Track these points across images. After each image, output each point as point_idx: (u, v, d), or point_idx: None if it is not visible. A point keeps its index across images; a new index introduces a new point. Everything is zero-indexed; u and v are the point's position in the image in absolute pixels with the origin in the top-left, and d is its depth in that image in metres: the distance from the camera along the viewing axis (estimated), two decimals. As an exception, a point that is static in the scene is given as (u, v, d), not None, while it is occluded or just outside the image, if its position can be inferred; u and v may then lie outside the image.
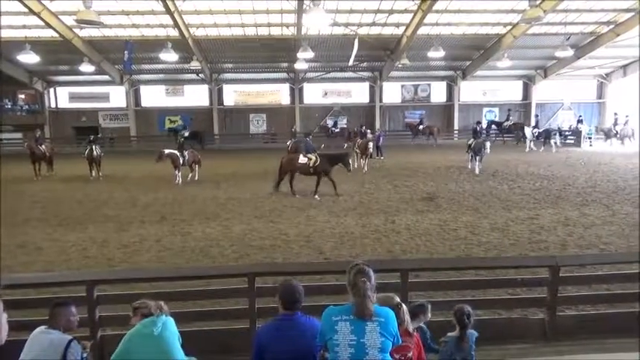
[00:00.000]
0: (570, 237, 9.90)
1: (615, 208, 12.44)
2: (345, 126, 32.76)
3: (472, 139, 19.68)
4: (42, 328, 3.52)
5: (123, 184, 17.63)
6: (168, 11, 21.25)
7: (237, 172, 20.09)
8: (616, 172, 17.69)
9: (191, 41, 25.47)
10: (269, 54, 28.36)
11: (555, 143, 26.67)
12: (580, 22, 25.11)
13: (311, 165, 15.06)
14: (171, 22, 22.95)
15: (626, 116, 30.06)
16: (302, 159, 15.21)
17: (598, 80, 34.48)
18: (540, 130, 28.01)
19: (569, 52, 26.38)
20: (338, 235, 10.36)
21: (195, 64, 28.03)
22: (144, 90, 34.06)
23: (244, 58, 29.61)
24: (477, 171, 18.23)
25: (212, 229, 10.91)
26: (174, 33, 24.37)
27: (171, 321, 3.67)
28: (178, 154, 17.68)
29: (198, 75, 31.66)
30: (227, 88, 34.15)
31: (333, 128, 32.35)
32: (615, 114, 30.32)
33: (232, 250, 9.34)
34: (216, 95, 33.64)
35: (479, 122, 27.00)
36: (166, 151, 17.74)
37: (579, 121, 31.59)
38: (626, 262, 6.83)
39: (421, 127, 31.17)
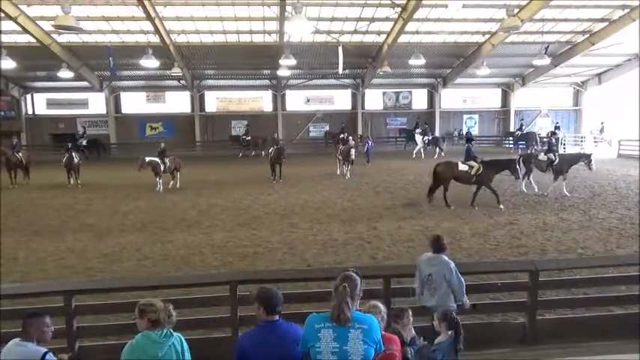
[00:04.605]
0: (549, 242, 10.07)
1: (592, 213, 12.71)
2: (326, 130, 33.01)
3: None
4: (16, 340, 3.43)
5: (102, 192, 17.35)
6: (148, 17, 21.09)
7: (219, 180, 19.96)
8: (592, 178, 18.07)
9: (172, 48, 25.31)
10: (251, 61, 28.34)
11: (441, 150, 27.07)
12: (556, 31, 25.68)
13: (472, 173, 13.86)
14: (152, 28, 22.79)
15: (602, 123, 30.83)
16: (462, 166, 14.02)
17: (574, 88, 35.26)
18: (430, 137, 28.29)
19: (547, 61, 26.94)
20: (321, 242, 10.35)
21: (176, 71, 27.84)
22: (124, 96, 33.69)
23: (226, 65, 29.53)
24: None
25: (193, 237, 10.80)
26: (155, 39, 24.18)
27: (185, 344, 3.56)
28: (159, 161, 17.51)
29: (179, 81, 31.45)
30: (209, 95, 33.99)
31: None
32: (602, 123, 31.02)
33: (214, 258, 9.25)
34: (198, 102, 33.46)
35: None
36: (147, 158, 17.54)
37: (556, 128, 32.28)
38: (603, 266, 6.98)
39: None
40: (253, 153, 29.74)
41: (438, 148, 27.49)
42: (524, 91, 34.48)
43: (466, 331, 4.73)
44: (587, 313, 6.27)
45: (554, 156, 15.94)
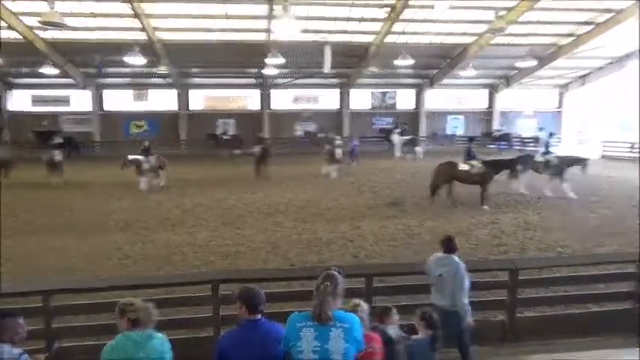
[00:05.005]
0: (530, 240, 10.20)
1: (572, 213, 12.90)
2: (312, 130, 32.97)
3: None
4: (-10, 341, 3.37)
5: (85, 190, 17.14)
6: (135, 14, 20.86)
7: (204, 179, 19.85)
8: (574, 179, 18.26)
9: (159, 45, 25.08)
10: (238, 59, 28.18)
11: (419, 151, 27.11)
12: (542, 33, 25.99)
13: (473, 172, 13.82)
14: (138, 25, 22.54)
15: (583, 124, 31.40)
16: (463, 166, 14.00)
17: (558, 90, 35.73)
18: (408, 138, 28.26)
19: (531, 63, 27.25)
20: (305, 241, 10.36)
21: (162, 69, 27.59)
22: (109, 94, 33.27)
23: (212, 63, 29.32)
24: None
25: (177, 237, 10.74)
26: (141, 36, 23.94)
27: (167, 344, 3.47)
28: (143, 159, 17.34)
29: (165, 79, 31.17)
30: (195, 93, 33.72)
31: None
32: (583, 124, 31.57)
33: (196, 258, 9.21)
34: (184, 100, 33.20)
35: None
36: (130, 156, 17.37)
37: (540, 129, 32.69)
38: (582, 265, 7.10)
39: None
40: (236, 152, 29.58)
41: (415, 148, 27.67)
42: (509, 92, 34.83)
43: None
44: (566, 311, 6.38)
45: (552, 157, 16.04)
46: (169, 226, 11.79)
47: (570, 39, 26.54)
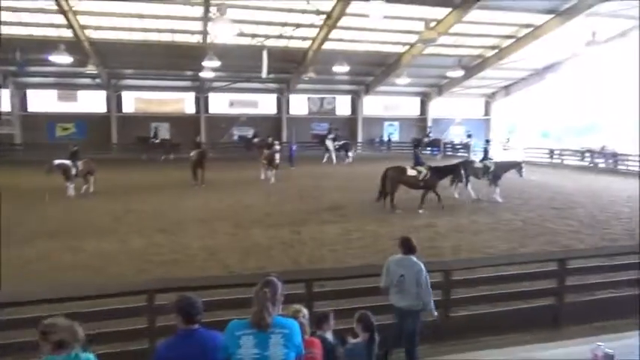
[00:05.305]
0: (462, 242, 10.69)
1: (499, 216, 13.67)
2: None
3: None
4: None
5: (5, 197, 15.91)
6: (61, 10, 19.74)
7: (138, 184, 19.10)
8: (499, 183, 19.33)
9: (87, 44, 23.86)
10: (173, 61, 27.42)
11: (350, 156, 28.06)
12: (469, 45, 27.41)
13: (420, 178, 14.17)
14: (64, 22, 21.34)
15: (509, 132, 33.48)
16: (410, 171, 14.25)
17: (485, 99, 37.76)
18: (341, 143, 29.10)
19: (460, 73, 28.66)
20: (244, 247, 10.24)
21: (91, 68, 26.25)
22: (31, 94, 31.15)
23: (146, 64, 28.32)
24: None
25: (108, 245, 10.24)
26: (67, 34, 22.68)
27: None
28: (70, 164, 16.40)
29: (94, 80, 29.68)
30: (127, 95, 32.38)
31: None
32: (509, 132, 33.52)
33: (130, 267, 8.83)
34: (115, 102, 31.76)
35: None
36: (56, 161, 16.35)
37: (469, 136, 34.50)
38: (509, 264, 7.52)
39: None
40: (169, 156, 28.79)
41: (347, 154, 28.14)
42: (440, 100, 36.36)
43: (385, 331, 4.91)
44: (494, 309, 6.73)
45: (490, 163, 16.81)
46: (99, 233, 11.22)
47: (495, 51, 28.18)
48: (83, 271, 8.55)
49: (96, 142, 29.76)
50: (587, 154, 29.17)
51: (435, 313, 5.35)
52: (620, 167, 26.46)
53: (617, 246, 10.22)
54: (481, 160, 17.26)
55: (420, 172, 14.25)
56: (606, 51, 25.74)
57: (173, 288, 5.59)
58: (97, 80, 29.67)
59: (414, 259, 5.29)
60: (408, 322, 5.21)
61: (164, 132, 32.31)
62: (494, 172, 16.35)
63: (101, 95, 31.57)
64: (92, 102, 31.69)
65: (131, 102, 32.56)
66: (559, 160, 29.44)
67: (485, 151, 17.95)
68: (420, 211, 13.84)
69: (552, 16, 23.28)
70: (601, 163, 28.08)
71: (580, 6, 21.71)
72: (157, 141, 29.93)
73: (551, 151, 31.07)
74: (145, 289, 5.56)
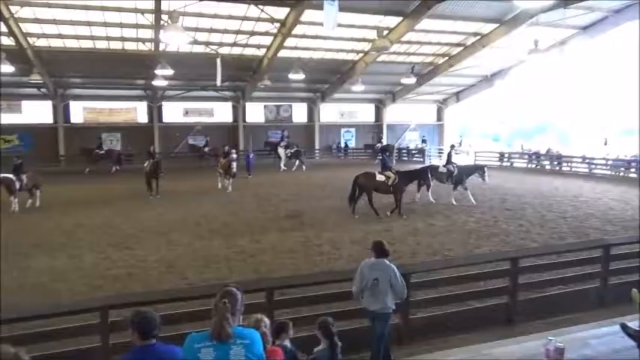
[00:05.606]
0: (419, 246, 10.90)
1: (454, 218, 14.05)
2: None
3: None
4: None
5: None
6: (1, 17, 18.82)
7: (88, 197, 18.40)
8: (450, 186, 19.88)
9: (30, 52, 22.83)
10: (123, 69, 26.64)
11: (302, 163, 28.18)
12: (421, 53, 28.15)
13: (390, 183, 14.26)
14: (5, 30, 20.35)
15: (460, 136, 34.50)
16: (379, 177, 14.33)
17: (437, 105, 38.82)
18: (292, 151, 29.24)
19: (413, 80, 29.36)
20: (202, 258, 10.04)
21: (35, 78, 25.12)
22: (-30, 105, 29.46)
23: (95, 73, 27.37)
24: None
25: (58, 262, 9.79)
26: (9, 42, 21.63)
27: None
28: (14, 178, 15.59)
29: (39, 90, 28.41)
30: (75, 105, 31.13)
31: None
32: (460, 136, 34.51)
33: (82, 283, 8.47)
34: (62, 112, 30.47)
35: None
36: (-1, 175, 15.53)
37: (423, 141, 35.35)
38: (466, 265, 7.73)
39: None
40: (114, 169, 27.93)
41: (299, 161, 28.19)
42: (394, 106, 37.08)
43: (346, 336, 4.92)
44: (452, 309, 6.90)
45: (453, 168, 17.23)
46: (48, 249, 10.70)
47: (445, 58, 29.07)
48: (31, 291, 8.13)
49: (43, 155, 28.46)
50: (534, 157, 30.56)
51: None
52: (564, 169, 27.83)
53: (564, 243, 10.71)
54: (444, 165, 17.73)
55: (388, 178, 14.48)
56: (548, 58, 27.10)
57: (128, 303, 5.41)
58: (43, 90, 28.44)
59: (387, 262, 5.42)
60: (382, 324, 5.36)
61: (115, 142, 31.31)
62: (458, 177, 16.83)
63: (47, 105, 30.24)
64: (38, 112, 30.29)
65: (80, 112, 31.34)
66: (509, 163, 30.62)
67: (449, 156, 18.45)
68: (388, 213, 14.18)
69: (497, 25, 24.29)
70: (547, 165, 29.46)
71: (522, 16, 22.76)
72: (102, 152, 28.83)
73: (502, 155, 32.28)
74: (97, 305, 5.35)
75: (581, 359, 4.03)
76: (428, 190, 16.71)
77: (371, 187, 14.41)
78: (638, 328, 3.92)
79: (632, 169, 25.01)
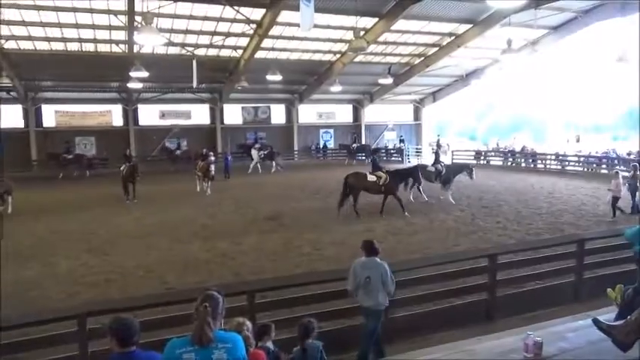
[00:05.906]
0: (399, 244, 10.98)
1: (432, 217, 14.20)
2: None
3: None
4: None
5: None
6: (-33, 19, 18.30)
7: (63, 202, 17.99)
8: (429, 185, 20.02)
9: (-1, 54, 22.27)
10: (97, 72, 26.14)
11: (278, 165, 28.18)
12: (397, 53, 28.38)
13: (381, 183, 14.21)
14: (-29, 32, 19.79)
15: (438, 135, 34.91)
16: (370, 177, 14.27)
17: (414, 105, 39.19)
18: (266, 152, 29.13)
19: (390, 80, 29.56)
20: (182, 262, 9.93)
21: (5, 81, 24.47)
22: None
23: (67, 76, 26.78)
24: None
25: (30, 270, 9.54)
26: (-25, 44, 21.04)
27: None
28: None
29: (9, 93, 27.66)
30: (47, 109, 30.41)
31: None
32: (438, 135, 34.90)
33: (58, 291, 8.28)
34: (34, 116, 29.72)
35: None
36: (-32, 181, 15.08)
37: (401, 141, 35.64)
38: (445, 263, 7.81)
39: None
40: (76, 173, 27.33)
41: (274, 163, 28.11)
42: (372, 107, 37.30)
43: (328, 336, 4.93)
44: (431, 307, 6.97)
45: (441, 167, 17.40)
46: (20, 257, 10.41)
47: (422, 59, 29.38)
48: (4, 301, 7.87)
49: (14, 160, 27.69)
50: (510, 155, 31.14)
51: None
52: (539, 166, 28.43)
53: (540, 239, 10.92)
54: (433, 164, 17.91)
55: (379, 178, 14.49)
56: (520, 57, 27.61)
57: (106, 310, 5.30)
58: (12, 93, 27.70)
59: (378, 260, 5.61)
60: (374, 320, 5.58)
61: (90, 146, 30.69)
62: (446, 175, 17.02)
63: (18, 109, 29.47)
64: (8, 116, 29.45)
65: (52, 116, 30.63)
66: (485, 161, 31.12)
67: (437, 155, 18.57)
68: (406, 213, 14.14)
69: (471, 25, 24.66)
70: (522, 162, 30.05)
71: (495, 16, 23.15)
72: (70, 157, 28.18)
73: (478, 153, 32.79)
74: (75, 313, 5.23)
75: (559, 352, 4.12)
76: (419, 188, 16.68)
77: (361, 187, 14.42)
78: (610, 323, 4.03)
79: (603, 166, 25.72)
